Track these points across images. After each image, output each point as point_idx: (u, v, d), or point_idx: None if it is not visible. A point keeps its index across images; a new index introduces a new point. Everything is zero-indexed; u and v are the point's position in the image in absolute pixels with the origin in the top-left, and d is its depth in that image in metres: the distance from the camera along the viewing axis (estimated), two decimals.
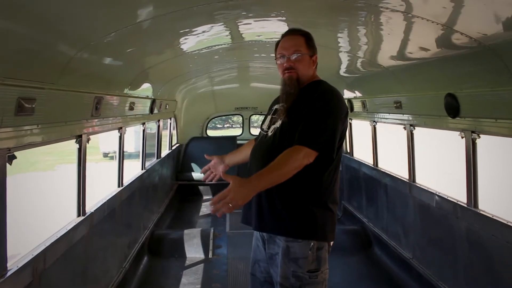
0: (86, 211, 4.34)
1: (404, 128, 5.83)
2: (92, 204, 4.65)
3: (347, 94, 8.16)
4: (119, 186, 5.66)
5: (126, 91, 5.26)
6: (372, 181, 7.36)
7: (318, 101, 2.96)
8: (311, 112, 2.92)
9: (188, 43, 4.99)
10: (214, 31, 4.73)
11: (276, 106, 3.27)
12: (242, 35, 5.23)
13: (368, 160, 7.69)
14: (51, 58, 3.09)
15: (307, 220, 2.95)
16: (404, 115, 5.74)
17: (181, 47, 5.08)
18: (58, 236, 3.63)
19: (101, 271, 4.89)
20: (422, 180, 5.81)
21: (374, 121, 7.07)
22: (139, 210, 6.91)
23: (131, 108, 5.62)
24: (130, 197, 6.16)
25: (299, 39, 3.20)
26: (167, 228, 8.50)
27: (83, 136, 4.11)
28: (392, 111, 6.08)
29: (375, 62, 5.43)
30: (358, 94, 7.52)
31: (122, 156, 5.69)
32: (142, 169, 7.14)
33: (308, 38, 3.23)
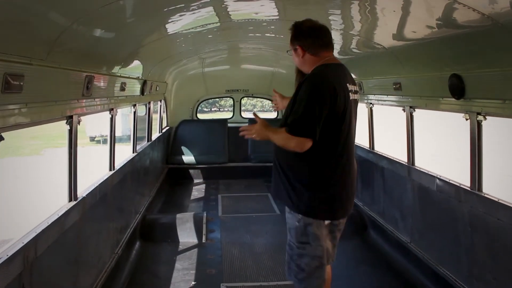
0: (78, 196, 4.15)
1: (403, 109, 5.70)
2: (84, 188, 4.46)
3: None
4: (110, 170, 5.46)
5: (117, 70, 5.04)
6: (368, 164, 7.25)
7: (300, 91, 3.27)
8: (297, 102, 3.26)
9: (178, 23, 4.81)
10: (203, 11, 4.58)
11: None
12: (230, 14, 5.10)
13: (364, 143, 7.58)
14: (40, 31, 2.87)
15: (297, 196, 3.29)
16: (404, 96, 5.60)
17: (170, 26, 4.89)
18: (50, 222, 3.45)
19: (93, 257, 4.72)
20: (421, 163, 5.72)
21: (371, 103, 6.93)
22: (131, 194, 6.73)
23: (123, 89, 5.40)
24: (122, 181, 5.97)
25: (290, 35, 3.54)
26: (158, 212, 8.34)
27: (74, 117, 3.89)
28: (390, 93, 5.95)
29: (372, 41, 5.28)
30: (353, 76, 7.35)
31: (113, 139, 5.48)
32: (133, 152, 6.93)
33: (293, 32, 3.52)
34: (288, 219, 3.42)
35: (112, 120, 5.38)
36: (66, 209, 3.80)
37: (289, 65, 8.22)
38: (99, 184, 4.75)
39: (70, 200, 4.00)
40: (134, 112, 6.81)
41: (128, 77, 5.67)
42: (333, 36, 5.63)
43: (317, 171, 3.28)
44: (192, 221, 7.13)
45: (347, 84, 3.38)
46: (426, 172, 5.28)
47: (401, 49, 5.10)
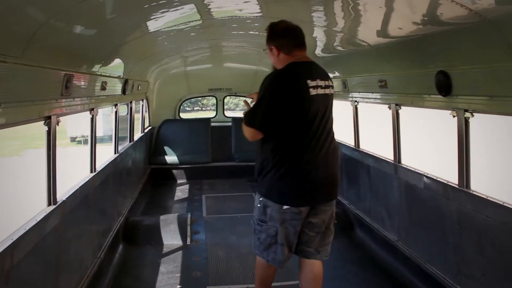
0: (58, 199, 3.99)
1: (389, 107, 5.67)
2: (64, 191, 4.30)
3: None
4: (91, 172, 5.30)
5: (97, 69, 4.88)
6: (353, 162, 7.22)
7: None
8: None
9: (160, 20, 4.70)
10: (186, 8, 4.49)
11: None
12: (212, 12, 5.01)
13: (349, 141, 7.54)
14: (15, 26, 2.71)
15: (262, 180, 3.71)
16: (389, 94, 5.57)
17: (152, 23, 4.77)
18: (27, 228, 3.29)
19: (75, 263, 4.56)
20: (408, 161, 5.70)
21: (356, 101, 6.89)
22: (113, 196, 6.56)
23: (103, 88, 5.24)
24: (104, 183, 5.81)
25: (266, 36, 3.81)
26: (141, 214, 8.17)
27: (52, 117, 3.73)
28: (376, 90, 5.91)
29: (357, 38, 5.23)
30: (337, 74, 7.32)
31: (94, 140, 5.32)
32: (115, 153, 6.76)
33: (269, 33, 3.81)
34: (255, 197, 3.85)
35: (92, 121, 5.21)
36: (45, 214, 3.64)
37: (272, 63, 8.10)
38: (79, 187, 4.60)
39: (49, 204, 3.84)
40: (116, 112, 6.64)
41: (109, 76, 5.52)
42: (316, 34, 5.64)
43: (280, 160, 3.57)
44: (176, 223, 6.99)
45: (317, 80, 3.63)
46: (413, 170, 5.25)
47: (386, 46, 5.06)
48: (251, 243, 3.98)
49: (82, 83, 4.43)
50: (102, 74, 5.10)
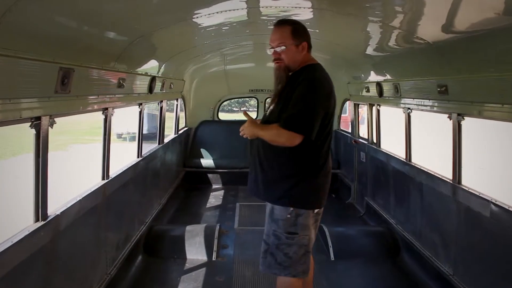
0: (49, 214, 3.44)
1: (449, 117, 4.77)
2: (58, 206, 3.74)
3: (374, 77, 7.12)
4: (103, 179, 4.75)
5: (113, 64, 4.33)
6: (403, 178, 6.33)
7: (300, 88, 3.35)
8: (294, 98, 3.34)
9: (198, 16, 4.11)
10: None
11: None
12: (260, 8, 4.62)
13: (399, 153, 6.66)
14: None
15: (286, 191, 3.47)
16: (451, 102, 4.68)
17: (188, 15, 4.18)
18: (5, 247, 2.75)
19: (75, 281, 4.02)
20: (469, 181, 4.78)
21: (409, 108, 6.01)
22: (134, 203, 6.03)
23: (120, 85, 4.68)
24: (120, 190, 5.26)
25: (285, 31, 3.53)
26: (168, 222, 7.63)
27: (42, 118, 3.18)
28: (433, 97, 5.03)
29: (415, 35, 4.40)
30: (388, 76, 6.47)
31: (107, 143, 4.76)
32: (138, 157, 6.22)
33: (294, 28, 3.55)
34: (276, 210, 3.53)
35: (106, 122, 4.67)
36: (29, 231, 3.10)
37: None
38: (83, 197, 4.04)
39: (37, 220, 3.29)
40: (140, 112, 6.10)
41: (130, 72, 4.97)
42: (369, 29, 4.90)
43: (317, 166, 3.49)
44: (203, 235, 6.38)
45: None
46: (477, 194, 4.33)
47: (447, 43, 4.20)
48: (263, 266, 3.69)
49: (90, 79, 3.87)
50: (119, 69, 4.55)
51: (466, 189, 4.54)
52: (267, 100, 11.59)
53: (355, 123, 9.18)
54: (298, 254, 3.54)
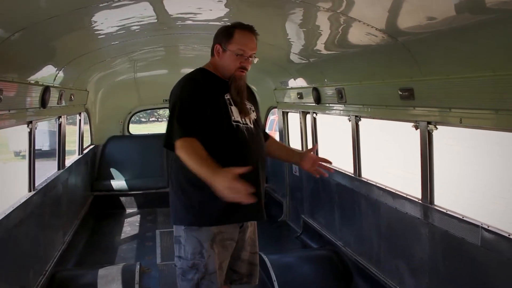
0: None
1: (416, 126, 4.08)
2: None
3: (304, 82, 6.44)
4: None
5: None
6: (352, 194, 5.61)
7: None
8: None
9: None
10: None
11: (228, 96, 3.28)
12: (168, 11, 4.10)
13: (344, 166, 5.94)
14: None
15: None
16: (417, 108, 4.00)
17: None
18: None
19: None
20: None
21: (357, 116, 5.29)
22: (26, 250, 4.65)
23: None
24: (4, 239, 3.92)
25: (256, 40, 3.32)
26: (76, 263, 6.25)
27: None
28: (393, 103, 4.34)
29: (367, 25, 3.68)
30: (326, 81, 5.76)
31: None
32: (30, 190, 4.83)
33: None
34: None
35: None
36: None
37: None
38: None
39: None
40: (30, 132, 4.73)
41: (10, 81, 3.68)
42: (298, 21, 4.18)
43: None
44: (120, 279, 5.18)
45: None
46: (460, 217, 3.61)
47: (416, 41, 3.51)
48: None
49: None
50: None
51: (443, 210, 3.84)
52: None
53: (284, 133, 8.43)
54: None
